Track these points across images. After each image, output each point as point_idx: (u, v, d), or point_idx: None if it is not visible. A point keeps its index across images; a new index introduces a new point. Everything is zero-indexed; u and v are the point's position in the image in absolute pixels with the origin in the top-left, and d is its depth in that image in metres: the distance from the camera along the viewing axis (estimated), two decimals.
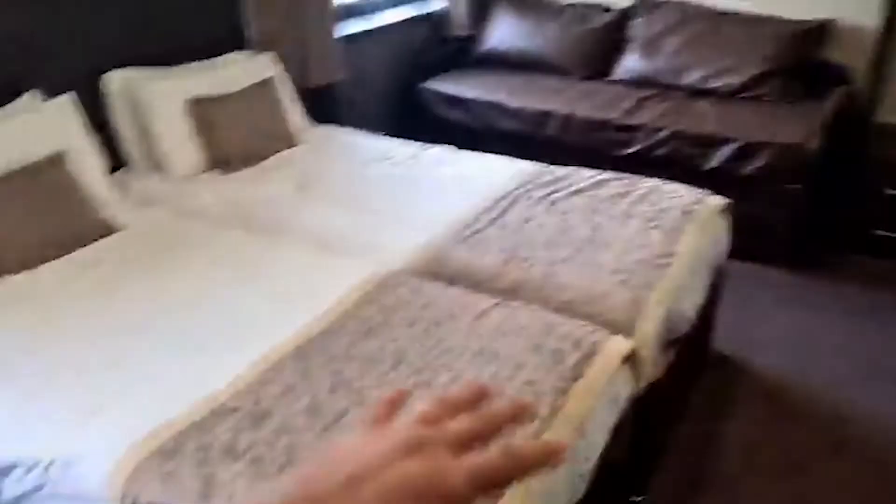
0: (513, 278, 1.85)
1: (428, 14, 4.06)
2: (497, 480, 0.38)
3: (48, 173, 1.95)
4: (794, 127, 2.97)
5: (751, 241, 3.00)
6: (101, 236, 1.99)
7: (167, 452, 1.25)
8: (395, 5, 3.98)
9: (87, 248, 1.93)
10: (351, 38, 3.48)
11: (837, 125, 3.04)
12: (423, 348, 1.55)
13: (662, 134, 3.11)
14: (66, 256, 1.89)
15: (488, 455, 0.39)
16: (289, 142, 2.71)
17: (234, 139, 2.51)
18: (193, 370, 1.47)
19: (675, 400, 2.12)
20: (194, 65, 2.63)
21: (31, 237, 1.85)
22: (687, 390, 2.31)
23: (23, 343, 1.55)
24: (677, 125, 3.11)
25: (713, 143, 3.01)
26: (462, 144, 2.78)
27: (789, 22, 3.37)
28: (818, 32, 3.34)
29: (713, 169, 3.01)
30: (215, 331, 1.61)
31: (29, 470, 1.30)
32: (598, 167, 2.47)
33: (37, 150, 1.96)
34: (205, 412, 1.34)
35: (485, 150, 2.69)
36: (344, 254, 2.00)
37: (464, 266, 1.91)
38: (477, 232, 2.07)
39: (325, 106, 3.24)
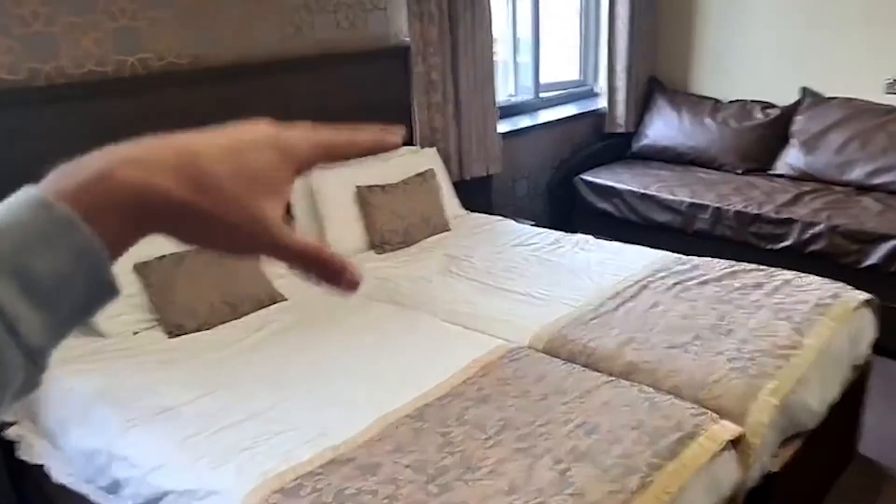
0: (628, 360, 1.91)
1: (590, 111, 4.28)
2: (336, 152, 0.44)
3: None
4: None
5: None
6: (270, 304, 2.33)
7: (287, 492, 1.43)
8: (559, 104, 4.26)
9: (256, 312, 2.28)
10: (516, 133, 3.77)
11: None
12: (529, 417, 1.65)
13: (818, 229, 3.01)
14: (238, 320, 2.23)
15: (331, 132, 0.43)
16: (443, 227, 2.99)
17: (393, 223, 2.83)
18: (323, 423, 1.67)
19: (802, 497, 2.00)
20: (366, 158, 3.01)
21: (212, 300, 2.22)
22: (822, 490, 2.17)
23: (192, 392, 1.84)
24: (834, 220, 3.00)
25: (872, 239, 2.87)
26: (613, 235, 2.89)
27: None
28: None
29: (871, 266, 2.86)
30: (348, 390, 1.82)
31: (178, 498, 1.55)
32: (749, 261, 2.46)
33: None
34: (325, 460, 1.53)
35: (635, 242, 2.77)
36: (475, 328, 2.17)
37: (583, 346, 2.01)
38: (602, 315, 2.16)
39: (482, 196, 3.53)
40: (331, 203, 2.76)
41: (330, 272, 0.40)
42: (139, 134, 0.39)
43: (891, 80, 3.50)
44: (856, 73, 3.60)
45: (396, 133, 0.46)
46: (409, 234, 2.86)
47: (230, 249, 0.40)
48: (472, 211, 3.25)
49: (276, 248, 0.40)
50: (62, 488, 1.91)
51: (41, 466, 1.97)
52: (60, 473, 1.92)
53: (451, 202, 3.15)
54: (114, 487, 1.75)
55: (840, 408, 2.01)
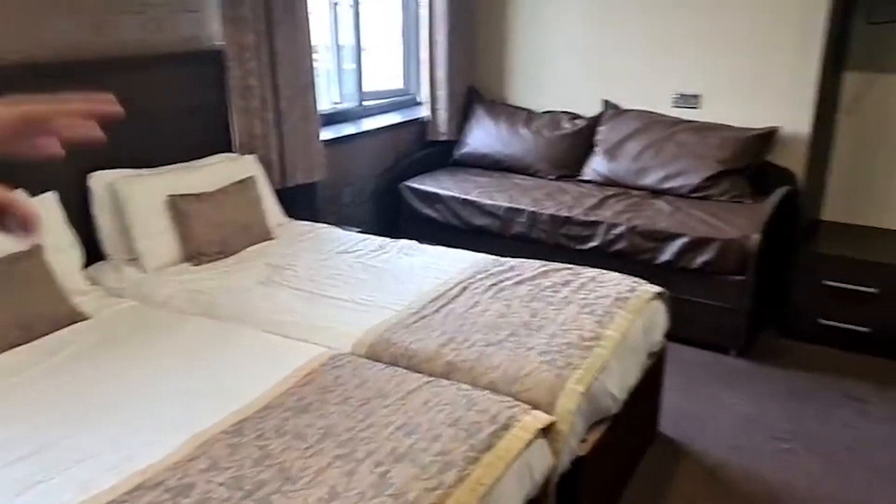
0: (448, 360, 1.96)
1: (413, 120, 4.37)
2: (45, 118, 0.43)
3: (25, 263, 2.13)
4: (739, 223, 3.15)
5: (700, 329, 3.15)
6: (69, 324, 2.13)
7: None
8: (383, 112, 4.30)
9: (52, 335, 2.08)
10: (340, 140, 3.76)
11: (779, 222, 3.22)
12: (350, 423, 1.64)
13: (619, 230, 3.29)
14: (32, 343, 2.03)
15: (39, 100, 0.43)
16: (264, 236, 2.90)
17: (209, 233, 2.70)
18: (129, 447, 1.54)
19: (609, 479, 2.17)
20: (179, 165, 2.87)
21: (3, 321, 2.00)
22: (628, 469, 2.36)
23: None
24: (633, 222, 3.29)
25: (665, 238, 3.18)
26: (437, 240, 2.96)
27: (739, 129, 3.63)
28: (764, 139, 3.59)
29: (666, 262, 3.17)
30: (158, 412, 1.71)
31: None
32: (561, 261, 2.62)
33: (17, 242, 2.15)
34: (131, 486, 1.41)
35: (458, 245, 2.87)
36: (297, 337, 2.13)
37: (405, 349, 2.03)
38: (424, 317, 2.20)
39: (306, 203, 3.47)
40: (140, 213, 2.58)
41: (19, 218, 0.41)
42: None
43: (677, 95, 3.90)
44: (649, 89, 3.97)
45: (109, 100, 0.46)
46: (228, 244, 2.75)
47: None
48: (296, 219, 3.19)
49: None
50: None
51: None
52: None
53: (273, 210, 3.07)
54: None
55: (640, 392, 2.20)
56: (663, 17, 3.85)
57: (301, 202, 3.39)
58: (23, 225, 0.41)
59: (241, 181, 2.92)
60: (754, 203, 3.44)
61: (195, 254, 2.66)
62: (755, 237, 3.02)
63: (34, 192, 2.33)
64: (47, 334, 2.08)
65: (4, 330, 2.00)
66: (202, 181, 2.79)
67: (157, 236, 2.61)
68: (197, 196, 2.72)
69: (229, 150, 3.14)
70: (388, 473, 1.45)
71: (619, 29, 4.01)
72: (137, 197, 2.59)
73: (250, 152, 3.15)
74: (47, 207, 2.33)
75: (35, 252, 2.17)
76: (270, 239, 2.91)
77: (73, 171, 2.55)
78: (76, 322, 2.16)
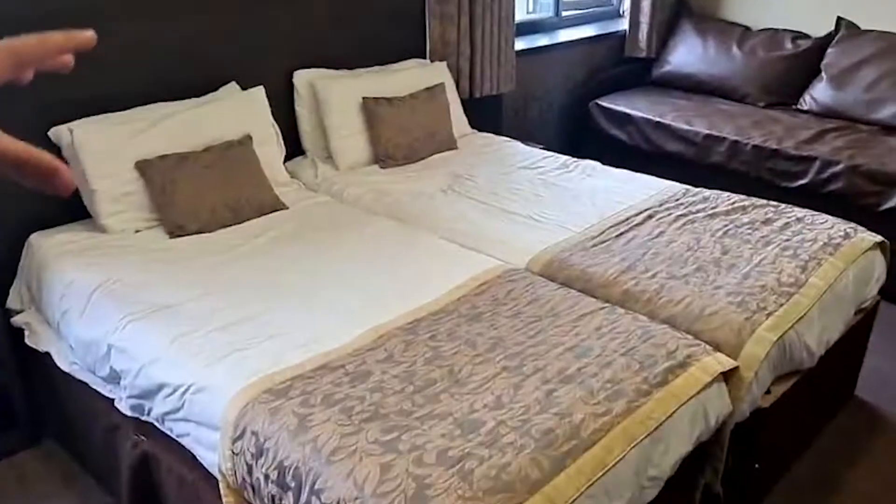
0: (626, 288, 1.88)
1: (610, 34, 4.11)
2: (28, 55, 0.44)
3: (237, 151, 2.30)
4: None
5: None
6: (270, 211, 2.30)
7: (277, 392, 1.43)
8: (579, 24, 4.09)
9: (257, 219, 2.25)
10: (531, 52, 3.63)
11: None
12: (520, 337, 1.64)
13: (838, 168, 2.91)
14: (238, 225, 2.21)
15: (19, 38, 0.43)
16: (449, 145, 2.91)
17: (398, 138, 2.76)
18: (316, 330, 1.67)
19: (791, 436, 2.01)
20: (375, 68, 2.93)
21: (214, 203, 2.19)
22: (813, 430, 2.17)
23: (190, 292, 1.84)
24: (855, 160, 2.89)
25: (893, 181, 2.77)
26: (623, 164, 2.80)
27: None
28: None
29: (890, 209, 2.77)
30: (343, 300, 1.81)
31: (172, 392, 1.57)
32: (764, 197, 2.38)
33: (230, 131, 2.32)
34: (316, 365, 1.53)
35: (648, 172, 2.68)
36: (473, 248, 2.14)
37: (581, 271, 1.97)
38: (604, 242, 2.11)
39: (492, 115, 3.43)
40: (336, 114, 2.68)
41: (42, 173, 0.42)
42: None
43: None
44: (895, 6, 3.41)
45: (87, 33, 0.46)
46: (414, 150, 2.80)
47: None
48: (480, 130, 3.16)
49: None
50: (66, 376, 1.95)
51: (47, 354, 2.00)
52: (64, 362, 1.96)
53: (459, 120, 3.06)
54: (112, 378, 1.78)
55: (841, 348, 1.99)
56: None
57: (487, 113, 3.35)
58: (45, 180, 0.42)
59: (430, 88, 2.92)
60: None
61: (384, 157, 2.74)
62: None
63: (245, 86, 2.49)
64: (252, 219, 2.25)
65: (217, 210, 2.20)
66: (395, 85, 2.83)
67: (350, 137, 2.71)
68: (389, 100, 2.77)
69: (423, 56, 3.14)
70: (554, 392, 1.43)
71: None
72: (334, 97, 2.68)
73: (442, 59, 3.13)
74: (255, 100, 2.48)
75: (245, 142, 2.34)
76: (455, 148, 2.92)
77: (279, 68, 2.68)
78: (277, 210, 2.32)
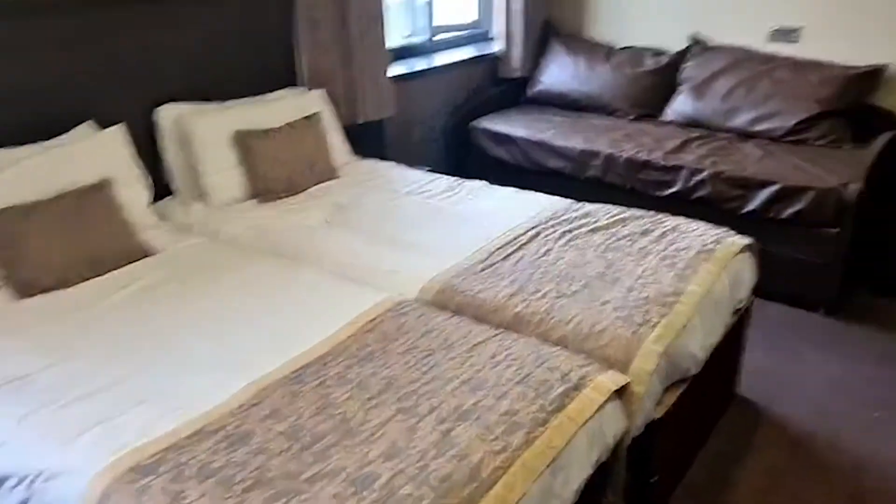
0: (517, 311, 1.87)
1: (485, 55, 4.18)
2: None
3: (94, 197, 2.12)
4: (836, 171, 2.89)
5: (789, 285, 2.95)
6: (137, 259, 2.13)
7: (145, 469, 1.29)
8: (454, 47, 4.12)
9: (122, 269, 2.08)
10: (410, 77, 3.62)
11: (882, 170, 2.93)
12: (413, 375, 1.58)
13: (703, 175, 3.07)
14: (100, 277, 2.03)
15: None
16: (331, 174, 2.83)
17: (275, 170, 2.65)
18: (191, 390, 1.52)
19: (683, 443, 2.06)
20: (245, 100, 2.81)
21: (72, 256, 2.01)
22: (704, 433, 2.25)
23: (44, 358, 1.65)
24: (718, 167, 3.06)
25: (753, 185, 2.95)
26: (508, 182, 2.82)
27: (839, 67, 3.31)
28: (868, 78, 3.26)
29: (752, 212, 2.95)
30: (222, 353, 1.68)
31: (18, 482, 1.37)
32: (639, 207, 2.46)
33: (86, 175, 2.14)
34: (191, 431, 1.39)
35: (529, 188, 2.72)
36: (361, 282, 2.07)
37: (472, 297, 1.95)
38: (493, 264, 2.10)
39: (375, 141, 3.38)
40: (206, 149, 2.55)
41: None
42: None
43: (773, 29, 3.58)
44: (742, 22, 3.65)
45: None
46: (294, 182, 2.70)
47: None
48: (364, 157, 3.10)
49: None
50: None
51: None
52: None
53: (340, 147, 2.99)
54: None
55: (721, 351, 2.06)
56: None
57: (369, 140, 3.29)
58: None
59: (308, 117, 2.84)
60: (855, 149, 3.14)
61: (262, 191, 2.62)
62: (854, 186, 2.76)
63: (104, 124, 2.31)
64: (116, 269, 2.08)
65: (74, 264, 2.01)
66: (269, 116, 2.73)
67: (223, 172, 2.58)
68: (264, 132, 2.67)
69: (295, 85, 3.06)
70: (451, 431, 1.38)
71: None
72: (203, 131, 2.55)
73: (318, 87, 3.06)
74: (114, 140, 2.31)
75: (103, 185, 2.16)
76: (337, 177, 2.84)
77: (141, 103, 2.51)
78: (145, 257, 2.16)
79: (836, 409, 2.43)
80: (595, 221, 2.35)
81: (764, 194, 2.92)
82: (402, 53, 3.80)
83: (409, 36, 3.94)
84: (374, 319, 1.81)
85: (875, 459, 2.20)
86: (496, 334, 1.74)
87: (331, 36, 3.07)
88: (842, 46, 3.36)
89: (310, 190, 2.72)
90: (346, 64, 3.16)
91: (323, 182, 2.78)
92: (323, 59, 3.08)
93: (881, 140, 3.10)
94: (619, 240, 2.22)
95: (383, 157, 3.20)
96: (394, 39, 3.75)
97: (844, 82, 3.25)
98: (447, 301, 1.96)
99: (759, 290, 2.35)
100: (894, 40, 3.22)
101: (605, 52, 3.99)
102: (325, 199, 2.63)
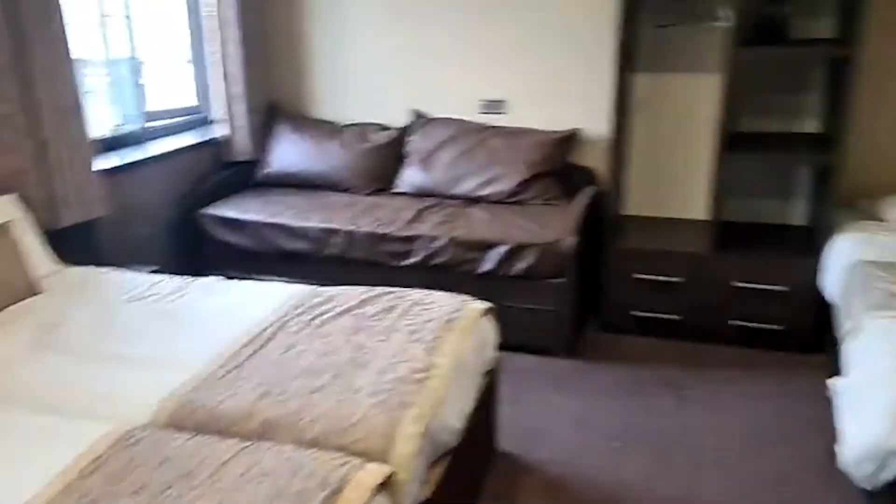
0: (264, 417, 1.72)
1: (208, 141, 3.99)
2: None
3: None
4: (554, 226, 3.20)
5: (527, 335, 3.16)
6: None
7: None
8: (173, 133, 3.88)
9: None
10: (122, 169, 3.31)
11: (590, 221, 3.32)
12: None
13: (439, 243, 3.20)
14: None
15: None
16: (28, 292, 2.43)
17: None
18: None
19: None
20: None
21: None
22: (472, 497, 2.26)
23: None
24: (452, 233, 3.21)
25: (486, 247, 3.14)
26: (247, 269, 2.67)
27: (544, 132, 3.71)
28: (567, 141, 3.70)
29: (487, 271, 3.13)
30: None
31: None
32: (382, 280, 2.46)
33: None
34: None
35: (269, 273, 2.60)
36: (80, 413, 1.77)
37: (214, 410, 1.75)
38: (235, 368, 1.93)
39: (83, 245, 3.00)
40: None
41: None
42: None
43: (483, 102, 3.91)
44: (455, 96, 3.94)
45: None
46: None
47: None
48: (73, 264, 2.74)
49: None
50: None
51: None
52: None
53: (40, 258, 2.60)
54: None
55: (477, 413, 2.09)
56: (463, 24, 3.83)
57: (78, 244, 2.92)
58: None
59: None
60: (566, 204, 3.51)
61: None
62: (570, 240, 3.06)
63: None
64: None
65: None
66: None
67: None
68: None
69: None
70: None
71: (421, 36, 3.93)
72: None
73: (6, 192, 2.65)
74: None
75: None
76: (39, 292, 2.46)
77: None
78: None
79: (584, 447, 2.59)
80: (340, 305, 2.29)
81: (495, 254, 3.12)
82: (114, 144, 3.48)
83: (121, 125, 3.63)
84: (97, 459, 1.55)
85: (625, 487, 2.37)
86: (244, 448, 1.57)
87: (19, 132, 2.69)
88: (541, 115, 3.78)
89: (4, 313, 2.31)
90: (40, 161, 2.79)
91: (20, 301, 2.38)
92: (10, 160, 2.68)
93: (585, 194, 3.50)
94: (366, 320, 2.18)
95: (98, 262, 2.85)
96: (102, 129, 3.42)
97: (549, 146, 3.64)
98: (185, 420, 1.74)
99: (503, 344, 2.46)
100: (583, 108, 3.71)
101: (330, 129, 4.04)
102: (25, 321, 2.25)
